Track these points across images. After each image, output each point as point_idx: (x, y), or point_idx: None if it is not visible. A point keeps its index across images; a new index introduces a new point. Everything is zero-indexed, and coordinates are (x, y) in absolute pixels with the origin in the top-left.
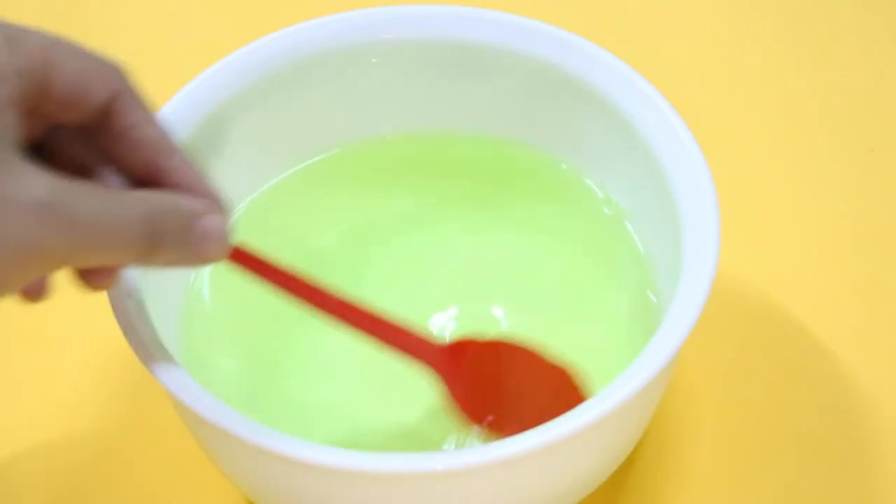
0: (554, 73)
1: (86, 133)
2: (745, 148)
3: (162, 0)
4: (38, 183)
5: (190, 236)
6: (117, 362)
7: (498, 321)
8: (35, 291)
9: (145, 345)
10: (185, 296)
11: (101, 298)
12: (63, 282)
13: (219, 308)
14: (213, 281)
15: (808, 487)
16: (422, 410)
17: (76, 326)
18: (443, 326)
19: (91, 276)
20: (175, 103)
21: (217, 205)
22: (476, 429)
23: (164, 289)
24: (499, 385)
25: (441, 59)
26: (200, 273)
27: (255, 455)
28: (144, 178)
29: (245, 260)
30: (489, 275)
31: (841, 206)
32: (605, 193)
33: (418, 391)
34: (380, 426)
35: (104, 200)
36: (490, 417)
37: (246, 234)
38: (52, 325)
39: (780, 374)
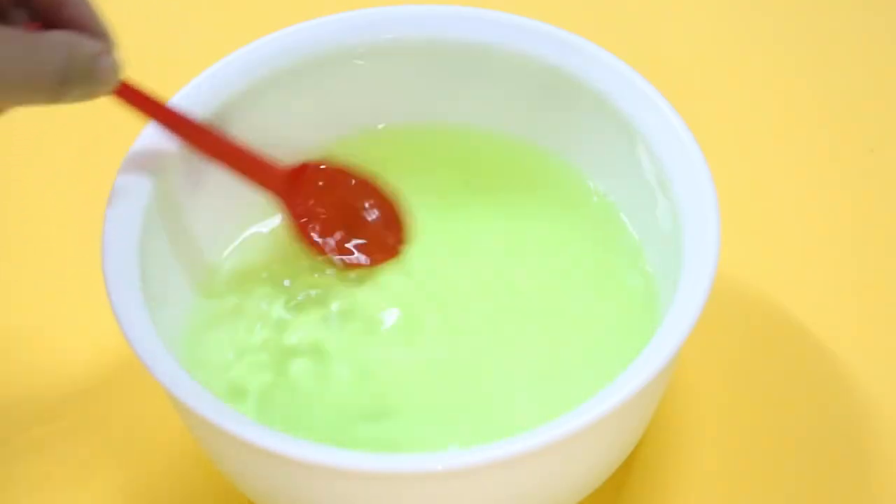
0: (554, 73)
1: None
2: (745, 148)
3: (162, 0)
4: None
5: (92, 76)
6: (117, 362)
7: (496, 320)
8: None
9: (146, 344)
10: (186, 295)
11: (101, 298)
12: (63, 280)
13: (219, 308)
14: (213, 281)
15: (808, 487)
16: (418, 411)
17: (76, 326)
18: (439, 324)
19: None
20: (175, 103)
21: (110, 43)
22: (318, 255)
23: (164, 289)
24: (336, 208)
25: (441, 59)
26: (202, 273)
27: (255, 455)
28: (45, 11)
29: (128, 94)
30: (485, 272)
31: (841, 206)
32: (604, 193)
33: (415, 394)
34: (378, 425)
35: (23, 46)
36: (329, 242)
37: (247, 233)
38: (52, 325)
39: (780, 374)
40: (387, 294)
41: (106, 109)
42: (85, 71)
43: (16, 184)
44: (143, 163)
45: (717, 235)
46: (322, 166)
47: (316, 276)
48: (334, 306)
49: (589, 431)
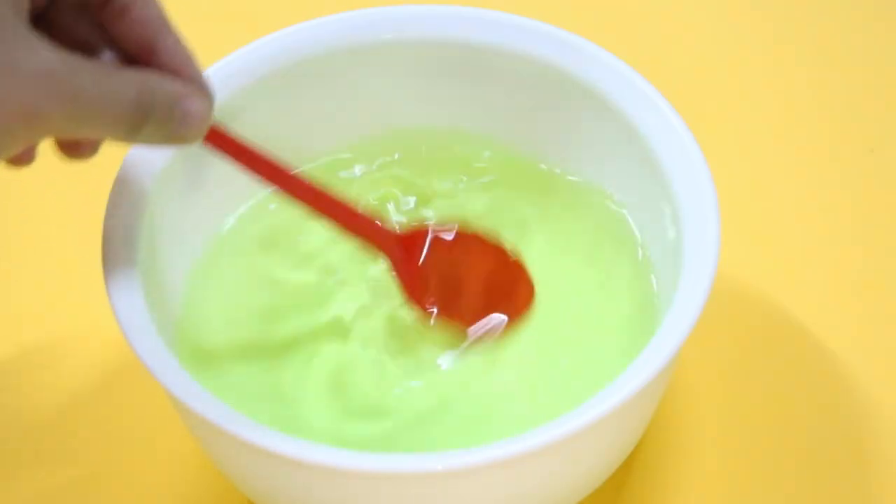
0: (554, 74)
1: (85, 7)
2: (745, 148)
3: (162, 0)
4: (44, 53)
5: (173, 116)
6: (117, 362)
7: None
8: (24, 158)
9: (145, 344)
10: (186, 295)
11: (101, 298)
12: (63, 278)
13: (219, 308)
14: (213, 281)
15: (808, 487)
16: (416, 411)
17: (76, 326)
18: (438, 326)
19: (74, 149)
20: None
21: (201, 90)
22: (424, 314)
23: (164, 288)
24: (450, 274)
25: (441, 60)
26: (201, 273)
27: (255, 455)
28: (137, 55)
29: (221, 142)
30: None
31: (841, 206)
32: (604, 193)
33: (413, 392)
34: (376, 425)
35: (101, 75)
36: (433, 304)
37: (247, 234)
38: (51, 325)
39: (780, 374)
40: (385, 295)
41: None
42: (163, 111)
43: (16, 184)
44: (144, 163)
45: (717, 235)
46: (442, 233)
47: (311, 279)
48: (332, 309)
49: (589, 431)
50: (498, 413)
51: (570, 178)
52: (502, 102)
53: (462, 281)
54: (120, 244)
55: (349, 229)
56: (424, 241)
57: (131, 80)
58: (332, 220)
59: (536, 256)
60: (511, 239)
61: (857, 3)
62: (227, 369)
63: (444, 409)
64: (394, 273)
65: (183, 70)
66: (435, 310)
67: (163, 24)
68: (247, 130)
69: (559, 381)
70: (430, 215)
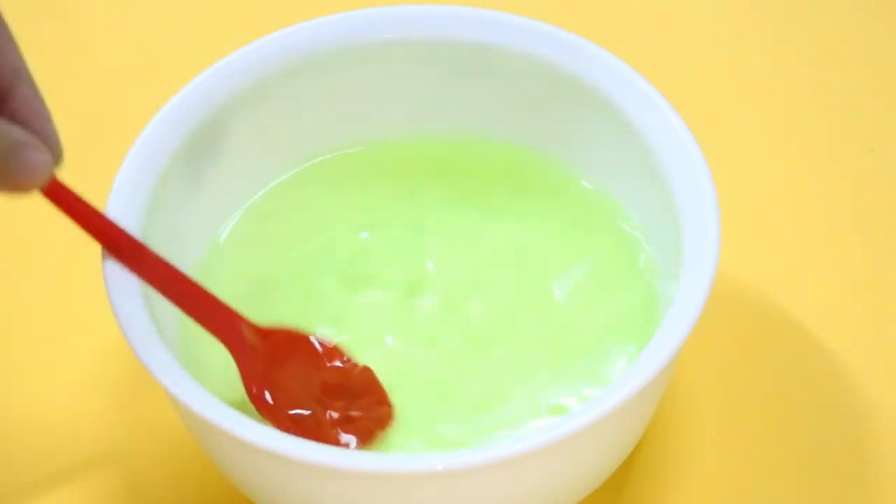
0: (554, 73)
1: None
2: (745, 148)
3: (162, 0)
4: None
5: (9, 166)
6: (117, 362)
7: (497, 321)
8: None
9: (145, 344)
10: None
11: (101, 298)
12: (63, 280)
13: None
14: (212, 280)
15: (808, 487)
16: (417, 410)
17: (76, 326)
18: (438, 326)
19: None
20: (174, 103)
21: (48, 144)
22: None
23: None
24: (298, 383)
25: (441, 60)
26: (200, 275)
27: (255, 455)
28: None
29: (60, 197)
30: (488, 272)
31: (841, 206)
32: (604, 193)
33: (414, 394)
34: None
35: None
36: (285, 416)
37: (246, 236)
38: (51, 325)
39: (780, 374)
40: (386, 294)
41: (105, 111)
42: (1, 158)
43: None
44: (143, 162)
45: (717, 235)
46: (291, 333)
47: (309, 278)
48: (331, 308)
49: (589, 431)
50: (497, 412)
51: (569, 178)
52: (502, 102)
53: (313, 398)
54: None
55: (194, 317)
56: (280, 345)
57: None
58: (177, 304)
59: (534, 255)
60: (511, 240)
61: (857, 3)
62: (227, 371)
63: (443, 408)
64: (237, 364)
65: (34, 122)
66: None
67: (20, 73)
68: (246, 131)
69: (559, 381)
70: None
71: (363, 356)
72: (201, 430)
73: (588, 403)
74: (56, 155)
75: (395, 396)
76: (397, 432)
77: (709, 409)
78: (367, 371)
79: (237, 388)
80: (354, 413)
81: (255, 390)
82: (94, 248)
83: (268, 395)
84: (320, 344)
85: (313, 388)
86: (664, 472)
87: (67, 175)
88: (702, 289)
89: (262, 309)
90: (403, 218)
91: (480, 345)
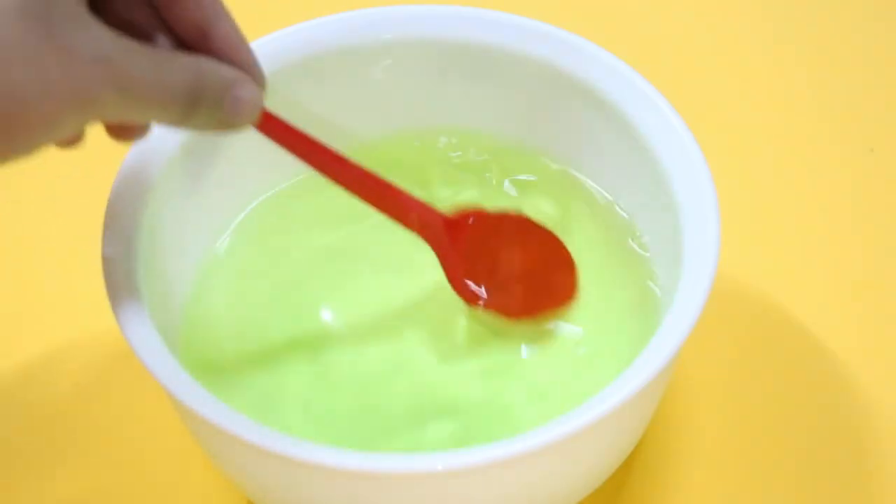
0: (554, 73)
1: None
2: (745, 148)
3: None
4: (102, 37)
5: (224, 103)
6: (116, 361)
7: (497, 319)
8: (74, 139)
9: (145, 344)
10: (186, 294)
11: (101, 296)
12: (63, 280)
13: (219, 307)
14: (213, 279)
15: (808, 487)
16: (417, 405)
17: (76, 325)
18: (438, 325)
19: (123, 131)
20: None
21: (252, 76)
22: (471, 300)
23: (164, 287)
24: (495, 260)
25: (441, 59)
26: (200, 272)
27: (255, 455)
28: (191, 40)
29: (272, 127)
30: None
31: (841, 206)
32: (604, 193)
33: (414, 387)
34: (379, 424)
35: (156, 61)
36: (483, 298)
37: (247, 235)
38: (52, 325)
39: (780, 374)
40: (386, 294)
41: None
42: (215, 97)
43: (15, 183)
44: (143, 163)
45: (717, 235)
46: (485, 213)
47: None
48: (331, 308)
49: (589, 431)
50: (497, 413)
51: (568, 178)
52: (501, 102)
53: (509, 266)
54: (121, 246)
55: (395, 215)
56: (470, 224)
57: (185, 66)
58: (379, 206)
59: None
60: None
61: (857, 3)
62: (230, 371)
63: (445, 409)
64: (439, 258)
65: (235, 56)
66: (483, 293)
67: (217, 9)
68: (247, 133)
69: (559, 380)
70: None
71: (363, 352)
72: (201, 430)
73: (588, 403)
74: (261, 84)
75: (389, 393)
76: (393, 433)
77: (709, 409)
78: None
79: (236, 388)
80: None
81: (458, 285)
82: (94, 248)
83: (472, 284)
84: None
85: (507, 260)
86: (664, 472)
87: (69, 174)
88: (702, 289)
89: (269, 309)
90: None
91: (477, 343)
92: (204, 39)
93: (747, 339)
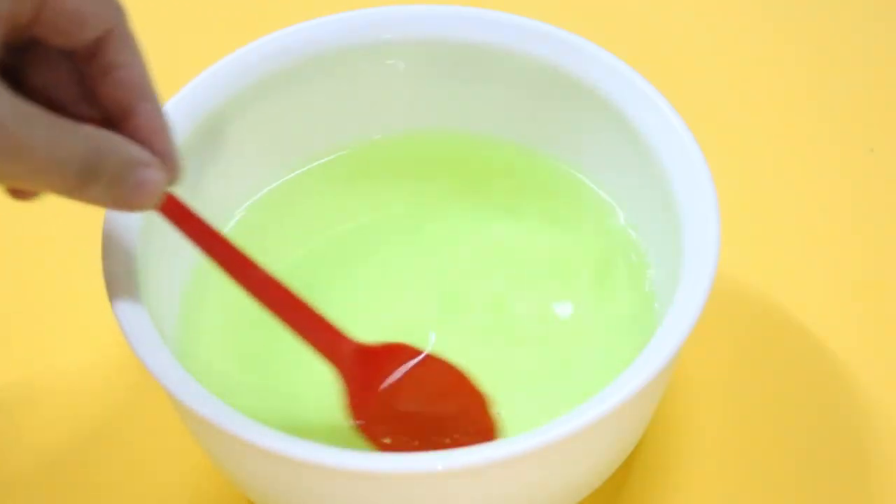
0: (554, 74)
1: (68, 57)
2: (745, 148)
3: (161, 1)
4: (2, 103)
5: (124, 182)
6: (116, 361)
7: (497, 320)
8: (27, 193)
9: (145, 344)
10: (185, 294)
11: (100, 296)
12: (63, 280)
13: (218, 306)
14: (213, 279)
15: (808, 487)
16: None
17: (76, 325)
18: (439, 326)
19: (20, 192)
20: (174, 104)
21: (165, 162)
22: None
23: (163, 287)
24: (409, 407)
25: (441, 60)
26: (201, 271)
27: (255, 455)
28: (114, 116)
29: (175, 214)
30: (488, 273)
31: (841, 206)
32: (604, 193)
33: None
34: None
35: (54, 131)
36: (387, 440)
37: (246, 236)
38: (51, 325)
39: (780, 374)
40: (386, 296)
41: None
42: (114, 173)
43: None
44: None
45: (717, 235)
46: (409, 357)
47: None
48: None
49: (589, 431)
50: (498, 411)
51: (569, 178)
52: (501, 102)
53: (421, 416)
54: (120, 243)
55: (302, 334)
56: (387, 362)
57: (85, 138)
58: (285, 321)
59: (534, 255)
60: (512, 241)
61: (857, 3)
62: (227, 372)
63: None
64: (343, 391)
65: (154, 138)
66: (388, 441)
67: (145, 89)
68: (246, 132)
69: (559, 381)
70: (430, 215)
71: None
72: (201, 430)
73: (588, 403)
74: (174, 173)
75: None
76: None
77: (709, 409)
78: (471, 392)
79: (235, 388)
80: (456, 437)
81: (357, 419)
82: (94, 248)
83: (369, 422)
84: (424, 360)
85: (417, 407)
86: (664, 472)
87: None
88: (702, 289)
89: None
90: (404, 216)
91: (478, 343)
92: (127, 117)
93: (747, 339)
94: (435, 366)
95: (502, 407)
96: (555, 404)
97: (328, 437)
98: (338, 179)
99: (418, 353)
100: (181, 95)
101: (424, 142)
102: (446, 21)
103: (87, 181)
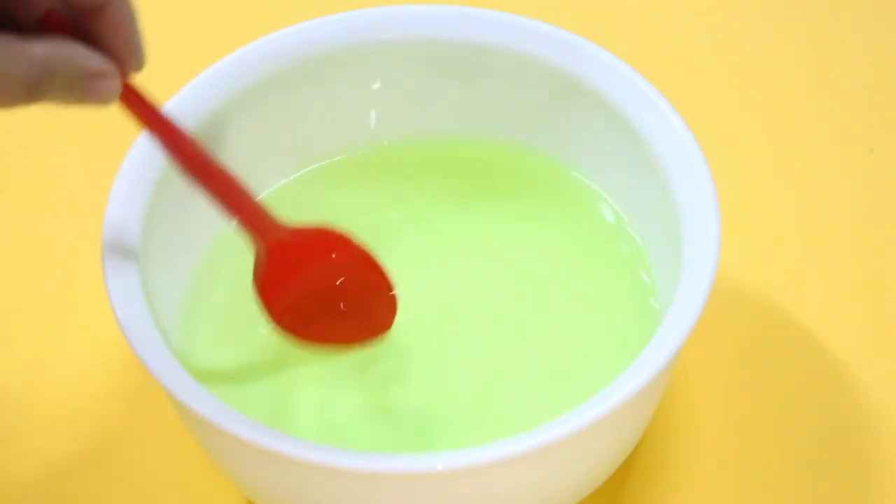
0: (554, 74)
1: None
2: (745, 148)
3: (160, 1)
4: None
5: (75, 90)
6: (117, 361)
7: (498, 322)
8: None
9: (145, 344)
10: (185, 294)
11: (100, 296)
12: (64, 279)
13: (219, 304)
14: (214, 276)
15: (808, 487)
16: (418, 411)
17: (76, 325)
18: (440, 326)
19: None
20: (174, 104)
21: (127, 55)
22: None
23: (164, 285)
24: (315, 289)
25: (442, 60)
26: (201, 271)
27: (255, 454)
28: (84, 11)
29: (132, 104)
30: (490, 273)
31: (841, 206)
32: (605, 193)
33: (415, 394)
34: (379, 425)
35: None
36: (287, 317)
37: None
38: (51, 324)
39: (780, 374)
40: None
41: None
42: (66, 84)
43: (16, 181)
44: (143, 162)
45: (717, 235)
46: (327, 233)
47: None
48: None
49: (589, 431)
50: (498, 413)
51: (569, 177)
52: (503, 102)
53: (325, 297)
54: (120, 242)
55: (227, 207)
56: (303, 246)
57: (31, 55)
58: (211, 192)
59: (535, 255)
60: (513, 241)
61: (857, 3)
62: (228, 370)
63: (444, 409)
64: (255, 269)
65: (118, 30)
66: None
67: None
68: (246, 132)
69: (559, 381)
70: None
71: (366, 355)
72: (201, 430)
73: (588, 403)
74: (136, 63)
75: (389, 393)
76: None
77: (709, 409)
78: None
79: (237, 387)
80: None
81: (262, 291)
82: (94, 248)
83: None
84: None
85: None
86: (664, 472)
87: (67, 176)
88: (702, 289)
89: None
90: (404, 216)
91: (478, 342)
92: (95, 14)
93: (747, 338)
94: (344, 249)
95: (503, 406)
96: (555, 404)
97: (328, 436)
98: (337, 182)
99: (336, 235)
100: (181, 95)
101: (424, 142)
102: (447, 21)
103: (36, 93)
